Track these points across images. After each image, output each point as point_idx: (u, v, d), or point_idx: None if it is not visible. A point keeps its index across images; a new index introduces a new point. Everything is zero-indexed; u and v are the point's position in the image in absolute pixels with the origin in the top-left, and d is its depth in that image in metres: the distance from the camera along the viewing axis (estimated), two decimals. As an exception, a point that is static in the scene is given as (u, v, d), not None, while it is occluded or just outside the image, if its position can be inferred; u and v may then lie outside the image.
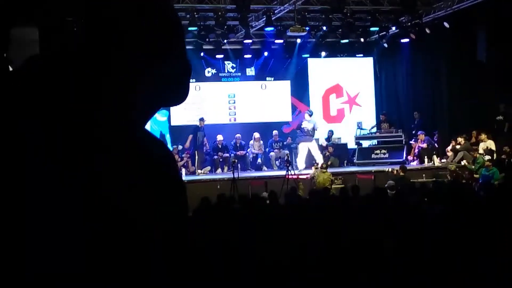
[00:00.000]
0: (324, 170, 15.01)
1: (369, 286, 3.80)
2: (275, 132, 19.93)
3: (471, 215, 5.95)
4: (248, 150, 19.49)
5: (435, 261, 4.41)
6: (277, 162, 19.27)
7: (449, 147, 17.52)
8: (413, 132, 19.55)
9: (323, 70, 22.00)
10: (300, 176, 15.20)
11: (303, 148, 18.05)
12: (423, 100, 20.09)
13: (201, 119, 18.35)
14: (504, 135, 16.52)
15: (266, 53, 20.67)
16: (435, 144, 18.66)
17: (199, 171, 17.55)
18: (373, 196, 7.28)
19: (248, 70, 21.33)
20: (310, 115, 18.59)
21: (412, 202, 7.16)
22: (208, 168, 18.50)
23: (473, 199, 7.28)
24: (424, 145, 18.30)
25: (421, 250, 4.61)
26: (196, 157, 18.09)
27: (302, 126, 18.18)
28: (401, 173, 14.49)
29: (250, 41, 18.89)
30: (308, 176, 15.58)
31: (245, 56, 20.46)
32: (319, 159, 17.58)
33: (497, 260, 4.53)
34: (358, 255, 4.32)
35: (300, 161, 17.91)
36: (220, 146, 19.16)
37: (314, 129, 18.22)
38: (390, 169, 15.61)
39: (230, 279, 4.43)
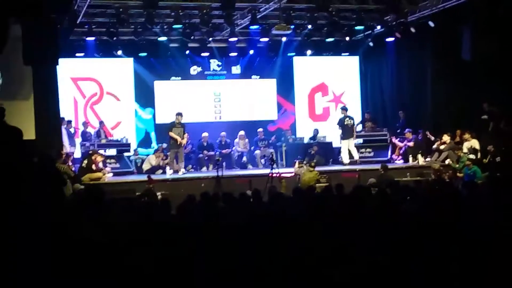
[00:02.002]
0: (311, 169, 14.99)
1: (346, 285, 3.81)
2: (260, 130, 19.94)
3: (452, 212, 5.97)
4: (233, 148, 19.48)
5: (411, 257, 4.43)
6: (262, 160, 19.30)
7: (435, 146, 17.61)
8: (398, 131, 19.62)
9: (308, 69, 22.05)
10: (283, 174, 15.17)
11: (345, 145, 18.37)
12: (408, 99, 20.14)
13: (179, 114, 17.14)
14: (489, 134, 16.58)
15: (251, 51, 20.65)
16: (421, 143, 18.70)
17: (182, 169, 16.87)
18: (355, 194, 7.30)
19: (233, 68, 21.32)
20: (346, 110, 18.80)
21: (393, 200, 7.18)
22: (189, 167, 18.39)
23: (455, 197, 7.30)
24: (411, 144, 18.35)
25: (400, 248, 4.63)
26: (172, 155, 17.16)
27: (345, 123, 18.41)
28: (382, 172, 14.51)
29: (235, 39, 18.86)
30: (292, 174, 15.56)
31: (231, 54, 20.43)
32: (356, 155, 18.16)
33: (479, 260, 4.53)
34: (337, 254, 4.32)
35: (345, 156, 18.24)
36: (205, 144, 19.13)
37: (353, 125, 18.71)
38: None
39: (214, 279, 4.41)
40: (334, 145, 20.16)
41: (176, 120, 17.01)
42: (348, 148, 18.27)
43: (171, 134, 16.79)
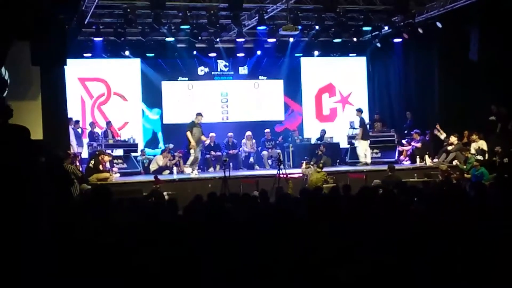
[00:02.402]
0: (319, 170, 14.97)
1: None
2: (267, 130, 19.95)
3: (459, 213, 5.95)
4: (240, 149, 19.48)
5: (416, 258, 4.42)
6: (269, 161, 19.30)
7: (442, 138, 17.66)
8: (405, 132, 19.59)
9: (316, 69, 22.03)
10: (291, 175, 15.17)
11: (363, 145, 18.49)
12: (415, 99, 20.10)
13: (199, 114, 17.28)
14: (496, 136, 16.53)
15: (259, 52, 20.63)
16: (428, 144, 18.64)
17: (195, 171, 16.87)
18: (362, 195, 7.28)
19: (241, 68, 21.33)
20: (362, 112, 19.01)
21: (401, 201, 7.16)
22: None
23: (462, 198, 7.29)
24: (419, 145, 18.31)
25: (407, 248, 4.62)
26: (197, 154, 17.12)
27: (366, 123, 18.80)
28: (389, 173, 14.48)
29: (242, 39, 18.87)
30: (299, 175, 15.55)
31: (238, 54, 20.44)
32: (369, 156, 18.37)
33: (486, 261, 4.52)
34: (343, 254, 4.32)
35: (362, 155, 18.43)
36: (212, 145, 19.13)
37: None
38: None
39: (221, 278, 4.41)
40: (341, 146, 20.18)
41: (196, 120, 17.11)
42: (364, 151, 18.28)
43: (188, 135, 16.82)
